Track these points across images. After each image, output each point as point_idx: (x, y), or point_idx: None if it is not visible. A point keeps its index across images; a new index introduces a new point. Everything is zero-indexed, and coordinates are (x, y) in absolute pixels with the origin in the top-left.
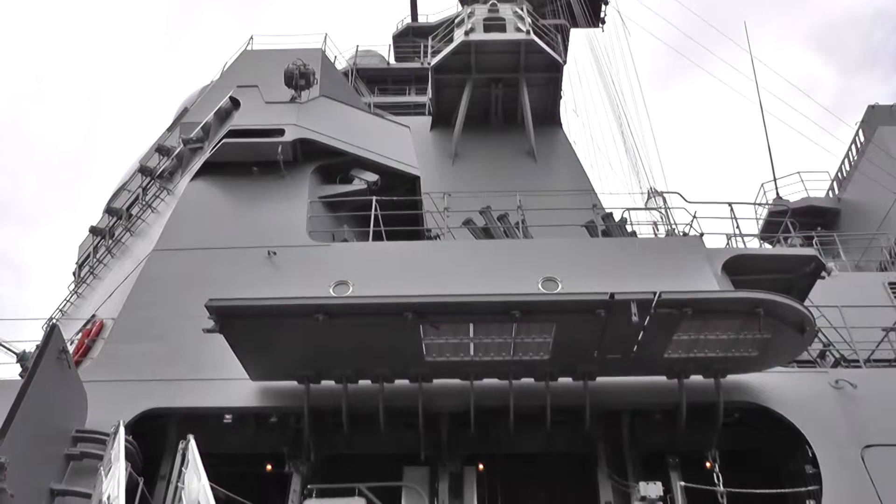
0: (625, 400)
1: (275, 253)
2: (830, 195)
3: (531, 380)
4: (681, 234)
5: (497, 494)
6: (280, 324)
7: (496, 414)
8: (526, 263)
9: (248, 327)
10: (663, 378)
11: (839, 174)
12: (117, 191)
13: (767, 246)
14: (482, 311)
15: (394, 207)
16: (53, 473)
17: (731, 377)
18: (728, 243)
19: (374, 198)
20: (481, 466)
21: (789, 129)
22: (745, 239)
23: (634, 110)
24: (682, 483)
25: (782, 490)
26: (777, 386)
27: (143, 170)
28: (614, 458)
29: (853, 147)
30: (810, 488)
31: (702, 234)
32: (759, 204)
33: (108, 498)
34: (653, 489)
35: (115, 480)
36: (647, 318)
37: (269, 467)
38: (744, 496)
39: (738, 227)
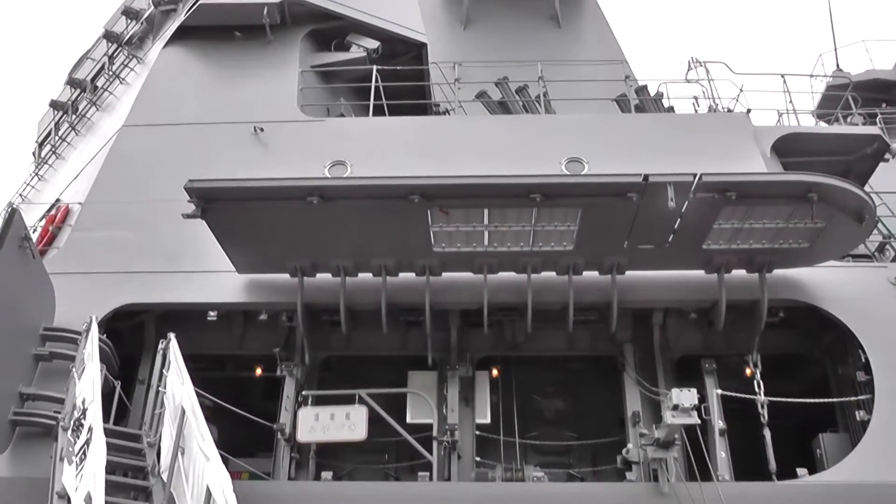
0: (657, 296)
1: (262, 129)
2: None
3: (552, 273)
4: (725, 109)
5: (512, 401)
6: (269, 208)
7: (512, 312)
8: (548, 142)
9: (233, 212)
10: (701, 272)
11: None
12: (80, 59)
13: (824, 124)
14: (498, 193)
15: (397, 79)
16: (21, 375)
17: (777, 272)
18: (779, 120)
19: (374, 67)
20: (495, 371)
21: None
22: (799, 115)
23: None
24: (719, 391)
25: (829, 400)
26: (829, 282)
27: (109, 35)
28: (643, 362)
29: None
30: (861, 398)
31: (749, 111)
32: (816, 76)
33: (83, 402)
34: (686, 397)
35: (89, 383)
36: (685, 203)
37: (259, 371)
38: (786, 406)
39: (790, 102)
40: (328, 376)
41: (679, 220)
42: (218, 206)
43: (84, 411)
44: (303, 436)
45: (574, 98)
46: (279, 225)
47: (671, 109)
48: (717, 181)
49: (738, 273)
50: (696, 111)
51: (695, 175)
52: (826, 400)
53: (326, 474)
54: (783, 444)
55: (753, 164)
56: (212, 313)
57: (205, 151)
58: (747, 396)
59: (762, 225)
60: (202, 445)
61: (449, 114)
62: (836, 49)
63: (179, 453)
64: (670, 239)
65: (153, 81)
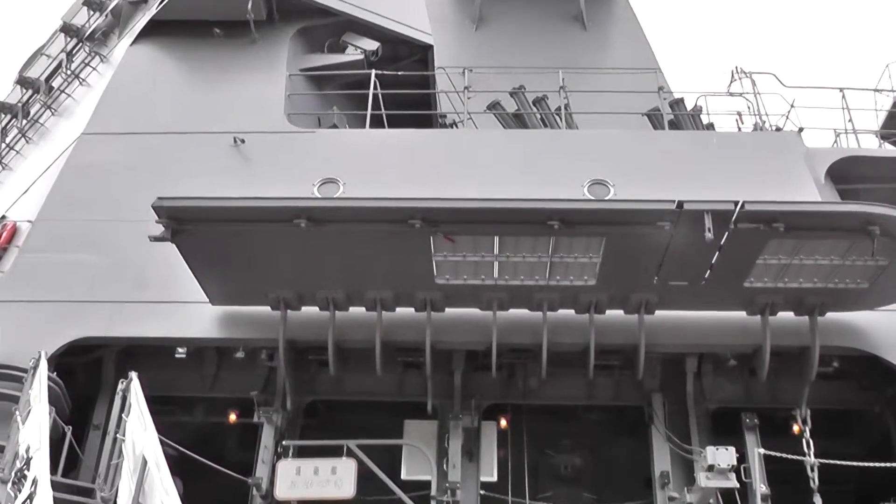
0: (691, 340)
1: (243, 140)
2: None
3: (571, 312)
4: (773, 127)
5: (523, 457)
6: (250, 231)
7: (525, 354)
8: (569, 161)
9: (208, 235)
10: (742, 314)
11: None
12: (33, 56)
13: (889, 146)
14: (511, 219)
15: (399, 85)
16: None
17: (830, 315)
18: (836, 141)
19: (372, 71)
20: (504, 422)
21: None
22: (860, 136)
23: None
24: (762, 450)
25: (892, 464)
26: (891, 328)
27: (68, 29)
28: (674, 414)
29: None
30: None
31: (801, 129)
32: (882, 90)
33: (27, 450)
34: (723, 456)
35: (35, 428)
36: (726, 234)
37: (233, 416)
38: (841, 469)
39: (850, 120)
40: (313, 424)
41: (718, 253)
42: (191, 227)
43: (28, 461)
44: (282, 492)
45: (600, 112)
46: (260, 251)
47: (711, 127)
48: (763, 210)
49: (786, 315)
50: (739, 129)
51: (736, 203)
52: (887, 464)
53: None
54: None
55: (805, 192)
56: (180, 350)
57: (177, 165)
58: (795, 457)
59: (814, 261)
60: (166, 502)
61: (457, 126)
62: None
63: None
64: (707, 275)
65: (119, 83)
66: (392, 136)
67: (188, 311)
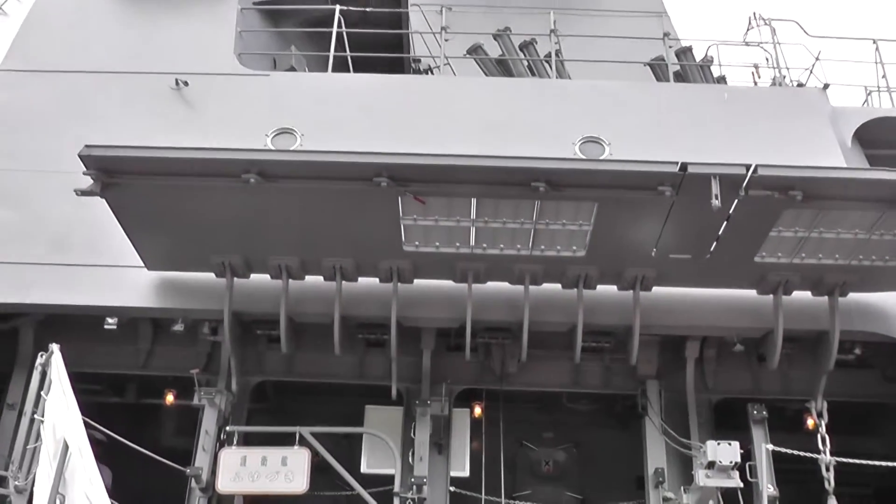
0: (692, 321)
1: (186, 83)
2: None
3: (557, 286)
4: (794, 83)
5: (499, 450)
6: (192, 187)
7: (503, 334)
8: (559, 115)
9: (144, 190)
10: (752, 293)
11: None
12: None
13: None
14: (490, 179)
15: (367, 24)
16: None
17: (853, 296)
18: (866, 101)
19: (336, 7)
20: (478, 410)
21: None
22: (893, 95)
23: None
24: (770, 446)
25: None
26: None
27: None
28: (672, 404)
29: None
30: None
31: (826, 86)
32: None
33: None
34: (726, 452)
35: None
36: (735, 202)
37: (170, 398)
38: (860, 470)
39: (883, 76)
40: (261, 408)
41: (725, 223)
42: (123, 181)
43: None
44: (224, 485)
45: (595, 60)
46: (204, 209)
47: (723, 80)
48: (779, 175)
49: (802, 295)
50: (755, 83)
51: (748, 166)
52: None
53: None
54: None
55: (828, 156)
56: (110, 320)
57: (109, 109)
58: (808, 455)
59: (836, 235)
60: (89, 492)
61: (432, 72)
62: None
63: (58, 502)
64: (713, 248)
65: (42, 12)
66: (358, 81)
67: (120, 277)
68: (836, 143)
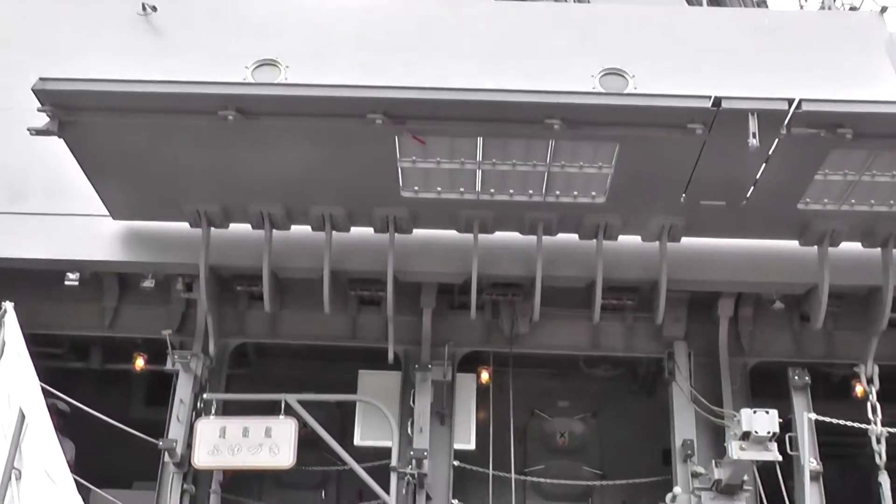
0: (726, 276)
1: (154, 8)
2: None
3: (574, 236)
4: (846, 6)
5: (509, 420)
6: (163, 125)
7: (513, 290)
8: (576, 43)
9: (107, 129)
10: (794, 243)
11: None
12: None
13: None
14: (499, 116)
15: None
16: None
17: None
18: None
19: None
20: (485, 375)
21: None
22: None
23: None
24: (813, 415)
25: None
26: None
27: None
28: (703, 369)
29: None
30: None
31: (884, 9)
32: None
33: None
34: (763, 422)
35: None
36: (776, 141)
37: (140, 363)
38: None
39: None
40: (242, 374)
41: (764, 166)
42: (84, 118)
43: None
44: (201, 459)
45: None
46: (177, 151)
47: (763, 3)
48: (825, 111)
49: (851, 247)
50: (801, 7)
51: (790, 101)
52: None
53: None
54: None
55: (883, 88)
56: (71, 275)
57: (66, 38)
58: (856, 425)
59: (891, 178)
60: (48, 468)
61: None
62: None
63: (14, 477)
64: (749, 193)
65: None
66: (350, 4)
67: (82, 227)
68: (893, 75)
